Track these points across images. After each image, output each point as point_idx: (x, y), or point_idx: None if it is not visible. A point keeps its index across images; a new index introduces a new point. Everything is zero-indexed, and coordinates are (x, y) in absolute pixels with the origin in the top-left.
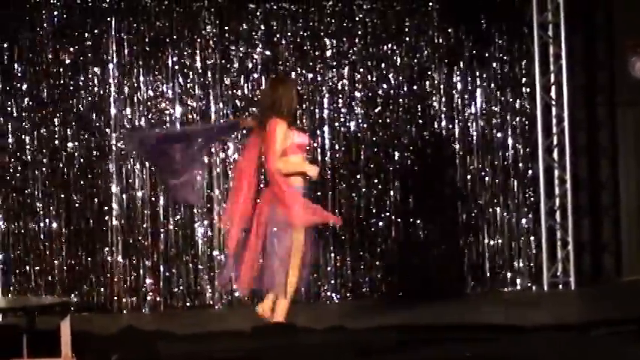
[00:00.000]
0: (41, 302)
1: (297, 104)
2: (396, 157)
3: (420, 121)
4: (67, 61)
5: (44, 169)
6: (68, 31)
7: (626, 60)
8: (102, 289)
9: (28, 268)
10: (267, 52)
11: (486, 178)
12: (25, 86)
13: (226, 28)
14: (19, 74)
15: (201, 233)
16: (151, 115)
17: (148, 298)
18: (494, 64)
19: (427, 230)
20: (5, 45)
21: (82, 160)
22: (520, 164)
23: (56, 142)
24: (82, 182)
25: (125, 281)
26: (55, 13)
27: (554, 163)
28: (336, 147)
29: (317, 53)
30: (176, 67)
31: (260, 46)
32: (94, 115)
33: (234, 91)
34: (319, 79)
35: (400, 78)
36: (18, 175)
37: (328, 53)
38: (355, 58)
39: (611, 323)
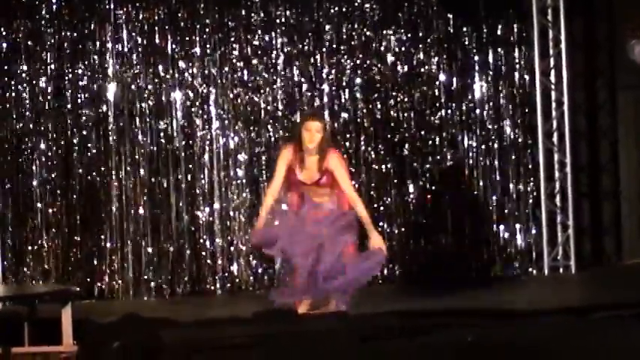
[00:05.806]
0: (42, 290)
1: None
2: (396, 143)
3: (420, 107)
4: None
5: (42, 156)
6: (67, 17)
7: (625, 43)
8: (103, 276)
9: (28, 255)
10: (266, 38)
11: (486, 163)
12: (23, 73)
13: (225, 14)
14: (17, 60)
15: (204, 219)
16: (150, 103)
17: (150, 284)
18: (494, 49)
19: (428, 216)
20: (4, 32)
21: (80, 145)
22: (520, 148)
23: (54, 127)
24: (81, 168)
25: (126, 268)
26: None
27: (554, 147)
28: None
29: (316, 37)
30: (175, 54)
31: (259, 32)
32: (93, 101)
33: (234, 77)
34: (318, 65)
35: (399, 64)
36: (15, 160)
37: (327, 39)
38: (355, 43)
39: (611, 307)
